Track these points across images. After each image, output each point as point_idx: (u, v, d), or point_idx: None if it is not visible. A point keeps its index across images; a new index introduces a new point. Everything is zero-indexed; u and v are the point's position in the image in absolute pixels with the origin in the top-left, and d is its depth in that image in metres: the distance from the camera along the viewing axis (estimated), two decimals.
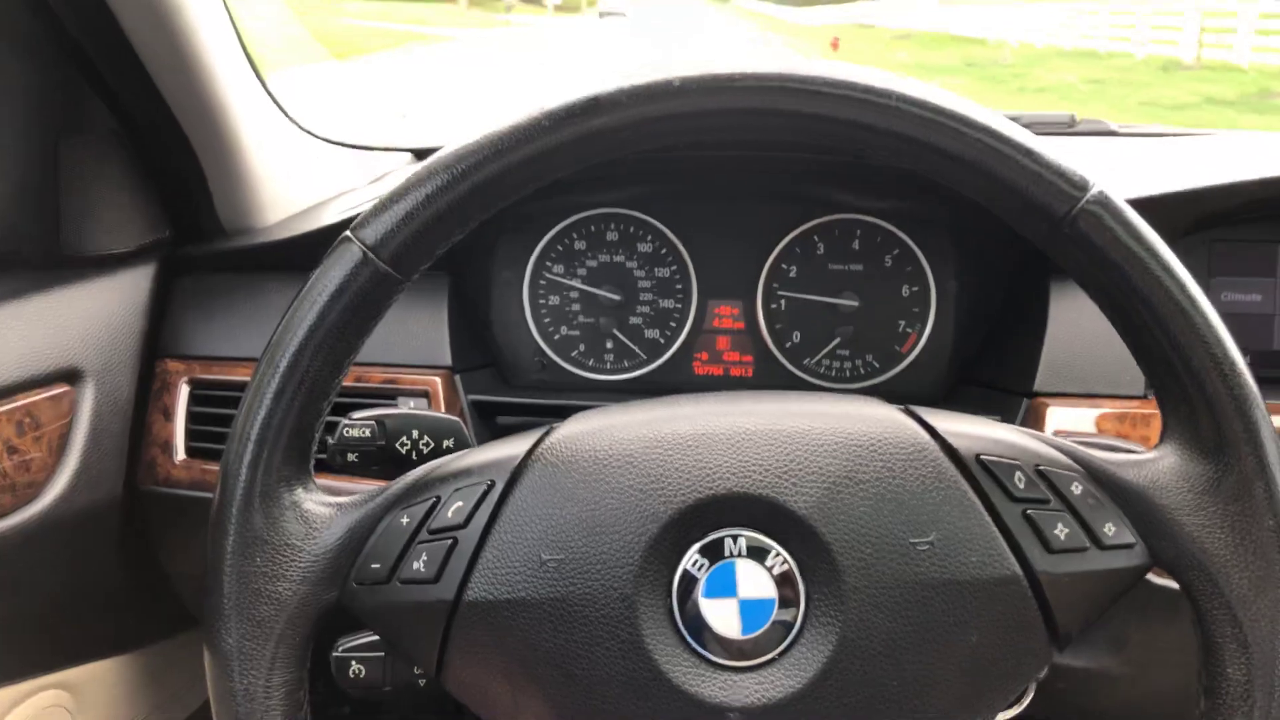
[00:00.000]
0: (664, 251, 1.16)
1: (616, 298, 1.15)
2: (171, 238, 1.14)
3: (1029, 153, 0.54)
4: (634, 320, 1.16)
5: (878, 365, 1.13)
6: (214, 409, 1.08)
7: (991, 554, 0.55)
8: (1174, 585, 0.57)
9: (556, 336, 1.17)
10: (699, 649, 0.54)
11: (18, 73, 0.96)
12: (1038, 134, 1.38)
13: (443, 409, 1.03)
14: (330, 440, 0.74)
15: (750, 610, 0.55)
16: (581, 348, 1.17)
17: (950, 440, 0.57)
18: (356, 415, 0.74)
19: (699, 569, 0.55)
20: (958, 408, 1.05)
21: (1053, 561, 0.55)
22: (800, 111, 0.54)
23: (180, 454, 1.07)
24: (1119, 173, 1.20)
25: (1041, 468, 0.57)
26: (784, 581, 0.55)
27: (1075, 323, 0.99)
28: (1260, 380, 1.03)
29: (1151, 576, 0.58)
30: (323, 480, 0.61)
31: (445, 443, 0.75)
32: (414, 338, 1.06)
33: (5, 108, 0.97)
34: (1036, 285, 1.03)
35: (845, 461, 0.56)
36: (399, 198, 0.56)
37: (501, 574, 0.56)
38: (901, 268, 1.13)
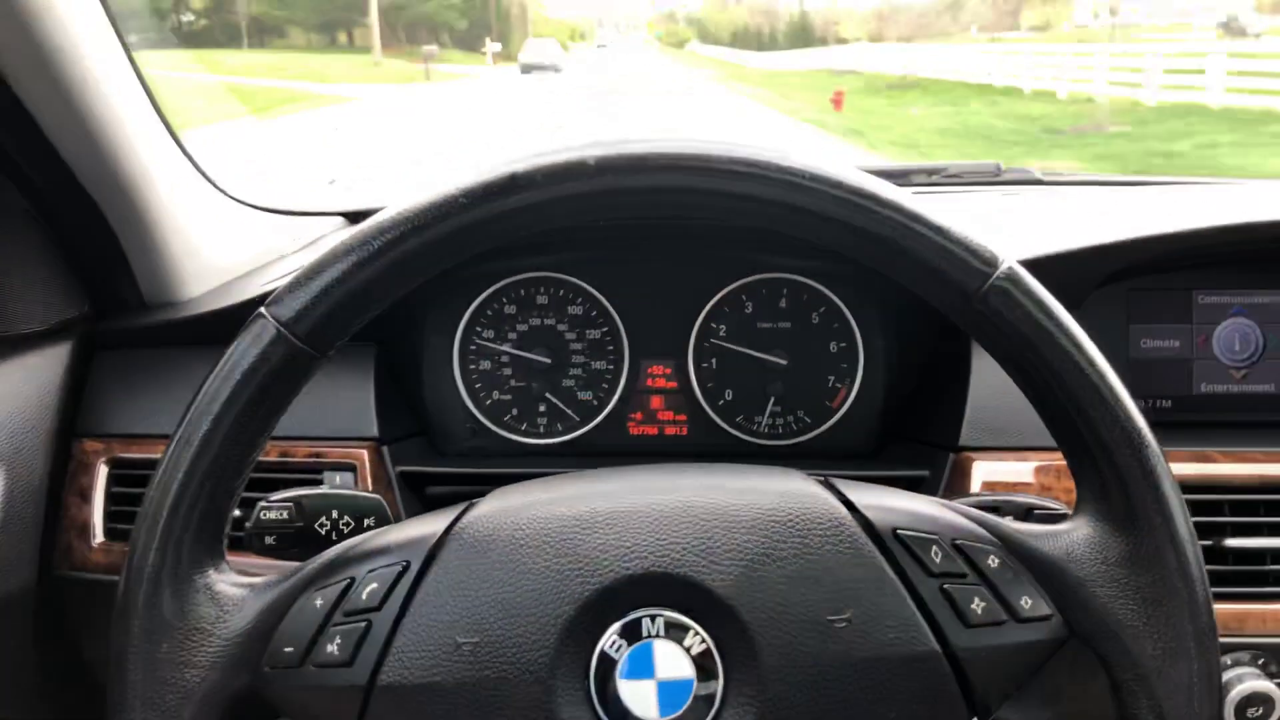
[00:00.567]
0: (594, 313, 1.16)
1: (548, 361, 1.15)
2: (90, 313, 1.11)
3: (939, 230, 0.55)
4: (566, 383, 1.16)
5: (809, 421, 1.14)
6: (135, 489, 1.05)
7: (909, 630, 0.55)
8: None
9: (488, 402, 1.16)
10: None
11: None
12: (964, 184, 1.41)
13: (370, 482, 1.01)
14: (248, 524, 0.73)
15: (668, 692, 0.54)
16: (514, 412, 1.16)
17: (867, 514, 0.58)
18: (274, 497, 0.73)
19: (617, 650, 0.55)
20: (887, 462, 1.07)
21: (970, 636, 0.56)
22: (716, 190, 0.55)
23: (98, 537, 1.03)
24: (1041, 224, 1.24)
25: (958, 541, 0.57)
26: (703, 661, 0.54)
27: (999, 377, 1.00)
28: (1179, 425, 1.05)
29: None
30: (239, 559, 0.60)
31: (366, 521, 0.74)
32: (339, 409, 1.04)
33: None
34: (960, 341, 1.04)
35: (763, 538, 0.56)
36: (315, 274, 0.55)
37: (416, 658, 0.55)
38: (829, 324, 1.14)
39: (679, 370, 1.16)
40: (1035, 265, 0.98)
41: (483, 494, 0.61)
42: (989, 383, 1.00)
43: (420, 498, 1.06)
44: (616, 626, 0.55)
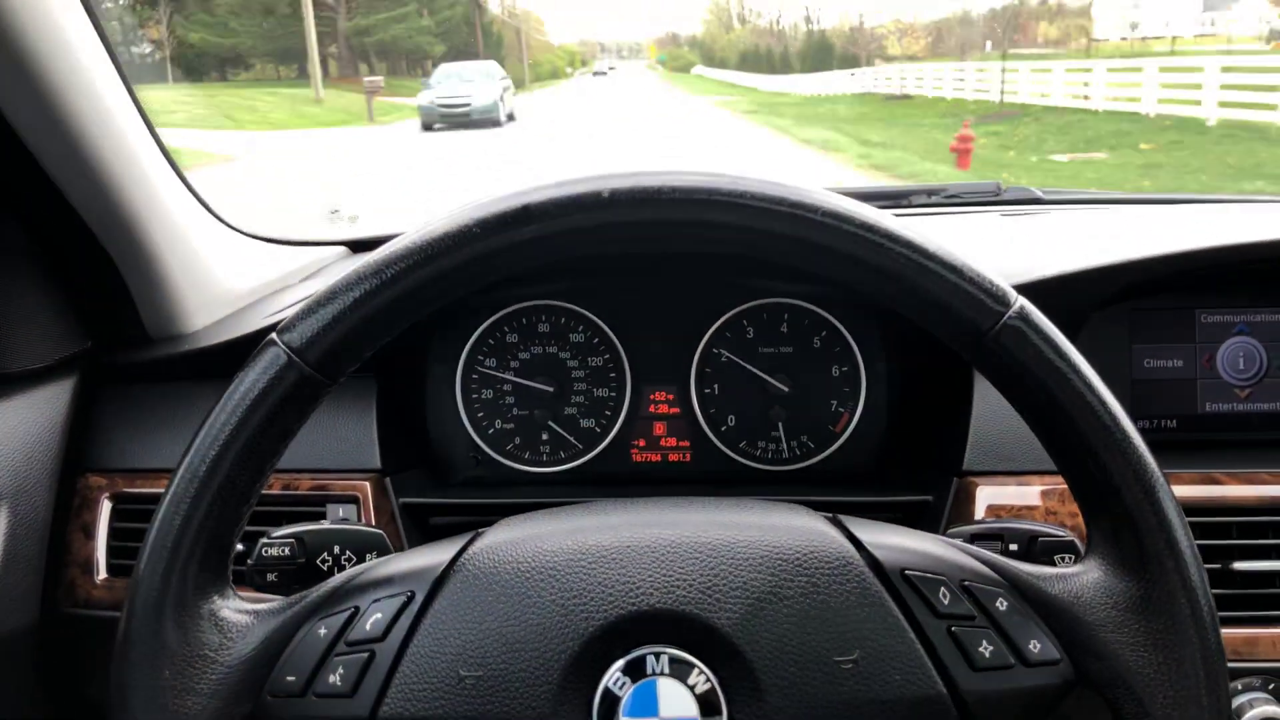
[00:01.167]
0: (596, 341, 1.16)
1: (550, 389, 1.15)
2: (93, 348, 1.11)
3: (954, 268, 0.55)
4: (569, 410, 1.16)
5: (813, 445, 1.14)
6: (139, 524, 1.04)
7: (916, 672, 0.55)
8: None
9: (491, 430, 1.16)
10: None
11: None
12: (965, 204, 1.40)
13: (372, 514, 1.01)
14: (249, 560, 0.72)
15: None
16: (517, 440, 1.16)
17: (875, 553, 0.57)
18: (276, 533, 0.73)
19: (620, 687, 0.54)
20: (891, 486, 1.06)
21: (978, 680, 0.55)
22: (729, 224, 0.55)
23: (102, 573, 1.03)
24: (1043, 244, 1.23)
25: (966, 583, 0.57)
26: (707, 699, 0.54)
27: (1002, 401, 1.00)
28: (1185, 445, 1.04)
29: None
30: (243, 592, 0.60)
31: (368, 556, 0.74)
32: (342, 442, 1.04)
33: None
34: (962, 365, 1.04)
35: (769, 576, 0.56)
36: (326, 301, 0.56)
37: (418, 690, 0.55)
38: (830, 349, 1.14)
39: (681, 396, 1.16)
40: (1038, 287, 0.99)
41: (487, 524, 0.61)
42: (992, 406, 0.99)
43: (422, 528, 1.05)
44: (620, 663, 0.54)
